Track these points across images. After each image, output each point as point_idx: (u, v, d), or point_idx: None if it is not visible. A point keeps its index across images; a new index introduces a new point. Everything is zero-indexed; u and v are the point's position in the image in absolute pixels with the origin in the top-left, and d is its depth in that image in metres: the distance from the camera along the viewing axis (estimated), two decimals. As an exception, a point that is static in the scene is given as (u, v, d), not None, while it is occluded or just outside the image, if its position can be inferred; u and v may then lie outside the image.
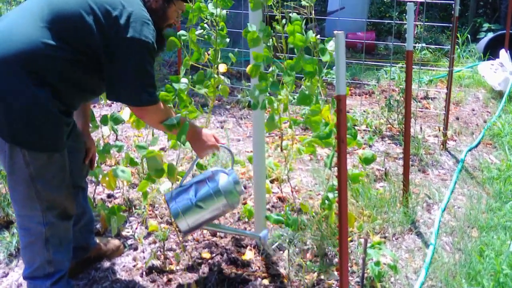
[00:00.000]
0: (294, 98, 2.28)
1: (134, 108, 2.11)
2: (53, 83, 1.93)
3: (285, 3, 2.28)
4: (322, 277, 2.46)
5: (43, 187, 2.01)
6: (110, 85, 2.03)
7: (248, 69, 2.29)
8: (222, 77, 2.62)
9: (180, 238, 2.75)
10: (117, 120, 2.76)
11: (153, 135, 2.83)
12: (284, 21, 2.30)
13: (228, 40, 2.57)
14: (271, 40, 2.32)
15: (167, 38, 2.32)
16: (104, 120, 2.78)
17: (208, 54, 2.57)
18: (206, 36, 2.54)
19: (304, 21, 2.30)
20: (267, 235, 2.45)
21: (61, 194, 2.09)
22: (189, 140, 2.26)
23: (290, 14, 2.25)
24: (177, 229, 2.25)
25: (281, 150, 2.62)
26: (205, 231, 2.87)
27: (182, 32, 2.50)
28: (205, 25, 2.54)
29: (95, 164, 2.57)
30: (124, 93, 2.03)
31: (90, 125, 2.74)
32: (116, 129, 2.84)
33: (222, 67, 2.65)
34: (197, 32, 2.51)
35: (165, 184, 2.89)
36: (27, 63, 1.88)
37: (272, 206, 3.15)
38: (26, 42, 1.88)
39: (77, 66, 1.97)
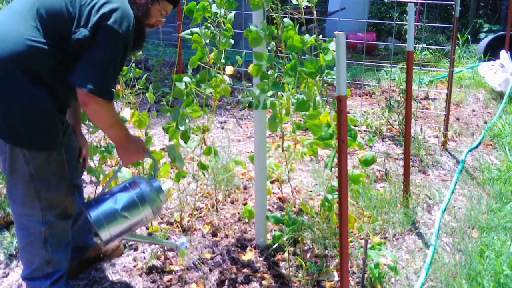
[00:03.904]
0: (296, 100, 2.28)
1: (83, 93, 1.92)
2: (48, 82, 1.94)
3: (279, 7, 2.28)
4: (322, 277, 2.46)
5: (42, 185, 2.02)
6: (75, 66, 1.94)
7: (250, 68, 2.29)
8: (224, 77, 2.63)
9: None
10: None
11: (146, 135, 2.83)
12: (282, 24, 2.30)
13: (232, 41, 2.58)
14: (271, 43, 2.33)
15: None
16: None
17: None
18: (211, 36, 2.55)
19: (298, 24, 2.30)
20: (184, 244, 2.37)
21: (61, 193, 2.09)
22: (117, 145, 2.17)
23: (284, 19, 2.25)
24: (97, 238, 2.17)
25: (282, 150, 2.62)
26: (205, 232, 2.87)
27: (187, 31, 2.51)
28: (209, 25, 2.55)
29: (88, 162, 2.54)
30: (83, 74, 1.91)
31: (92, 125, 2.75)
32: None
33: (229, 69, 2.65)
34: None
35: (165, 184, 2.90)
36: (22, 63, 1.89)
37: (273, 207, 3.15)
38: (19, 42, 1.89)
39: (71, 63, 1.96)
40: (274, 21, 2.32)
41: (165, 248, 2.65)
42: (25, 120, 1.92)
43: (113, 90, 2.01)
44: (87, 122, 2.75)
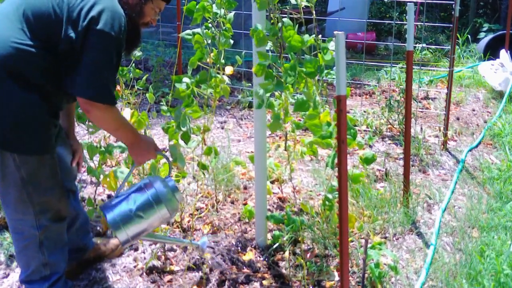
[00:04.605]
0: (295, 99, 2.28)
1: (83, 100, 1.92)
2: (39, 85, 1.92)
3: (276, 7, 2.28)
4: (323, 277, 2.46)
5: (34, 190, 2.00)
6: (69, 74, 1.93)
7: (254, 68, 2.29)
8: (224, 77, 2.63)
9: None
10: None
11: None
12: (280, 24, 2.30)
13: (231, 41, 2.58)
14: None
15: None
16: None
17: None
18: (211, 36, 2.55)
19: (298, 24, 2.30)
20: (206, 243, 2.37)
21: (54, 196, 2.08)
22: (128, 146, 2.17)
23: (284, 19, 2.25)
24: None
25: (285, 149, 2.63)
26: (205, 232, 2.87)
27: (187, 31, 2.51)
28: (209, 25, 2.55)
29: (81, 167, 2.51)
30: (81, 83, 1.90)
31: (91, 125, 2.75)
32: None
33: (229, 69, 2.65)
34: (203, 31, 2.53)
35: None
36: (10, 66, 1.87)
37: (273, 207, 3.15)
38: (5, 45, 1.87)
39: (59, 64, 1.93)
40: (272, 21, 2.32)
41: (166, 248, 2.65)
42: (15, 125, 1.90)
43: (113, 92, 1.98)
44: (87, 122, 2.75)
